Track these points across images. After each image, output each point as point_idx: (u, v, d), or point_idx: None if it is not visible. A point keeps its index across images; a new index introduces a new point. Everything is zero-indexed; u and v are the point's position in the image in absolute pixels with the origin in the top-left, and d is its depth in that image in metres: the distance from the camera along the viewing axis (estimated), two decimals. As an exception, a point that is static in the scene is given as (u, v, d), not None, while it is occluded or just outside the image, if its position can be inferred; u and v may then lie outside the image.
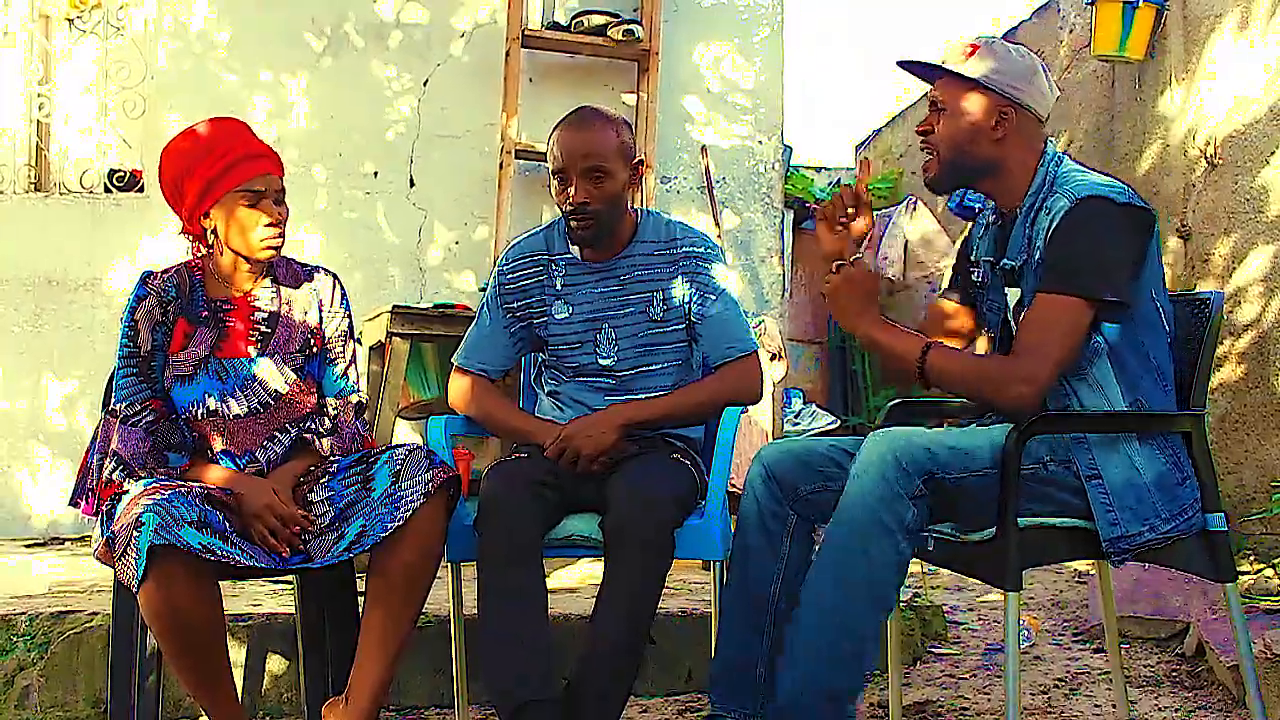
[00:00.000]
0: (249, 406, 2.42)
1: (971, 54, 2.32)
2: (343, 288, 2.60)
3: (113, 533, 2.16)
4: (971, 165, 2.34)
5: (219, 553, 2.14)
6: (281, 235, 2.41)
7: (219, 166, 2.35)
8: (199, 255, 2.48)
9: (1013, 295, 2.32)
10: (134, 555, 2.07)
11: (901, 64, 2.49)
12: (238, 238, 2.39)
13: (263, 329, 2.47)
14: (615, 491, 2.40)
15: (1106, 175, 2.26)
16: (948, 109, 2.33)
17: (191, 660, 2.18)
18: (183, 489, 2.22)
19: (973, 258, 2.46)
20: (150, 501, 2.13)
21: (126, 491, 2.26)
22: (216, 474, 2.37)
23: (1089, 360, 2.19)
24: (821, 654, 2.10)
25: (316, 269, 2.59)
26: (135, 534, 2.08)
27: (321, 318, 2.54)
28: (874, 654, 2.14)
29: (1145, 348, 2.21)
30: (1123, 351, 2.19)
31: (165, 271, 2.45)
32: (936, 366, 2.19)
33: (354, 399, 2.56)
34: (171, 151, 2.41)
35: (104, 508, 2.33)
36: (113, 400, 2.40)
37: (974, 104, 2.30)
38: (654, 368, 2.66)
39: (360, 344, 4.29)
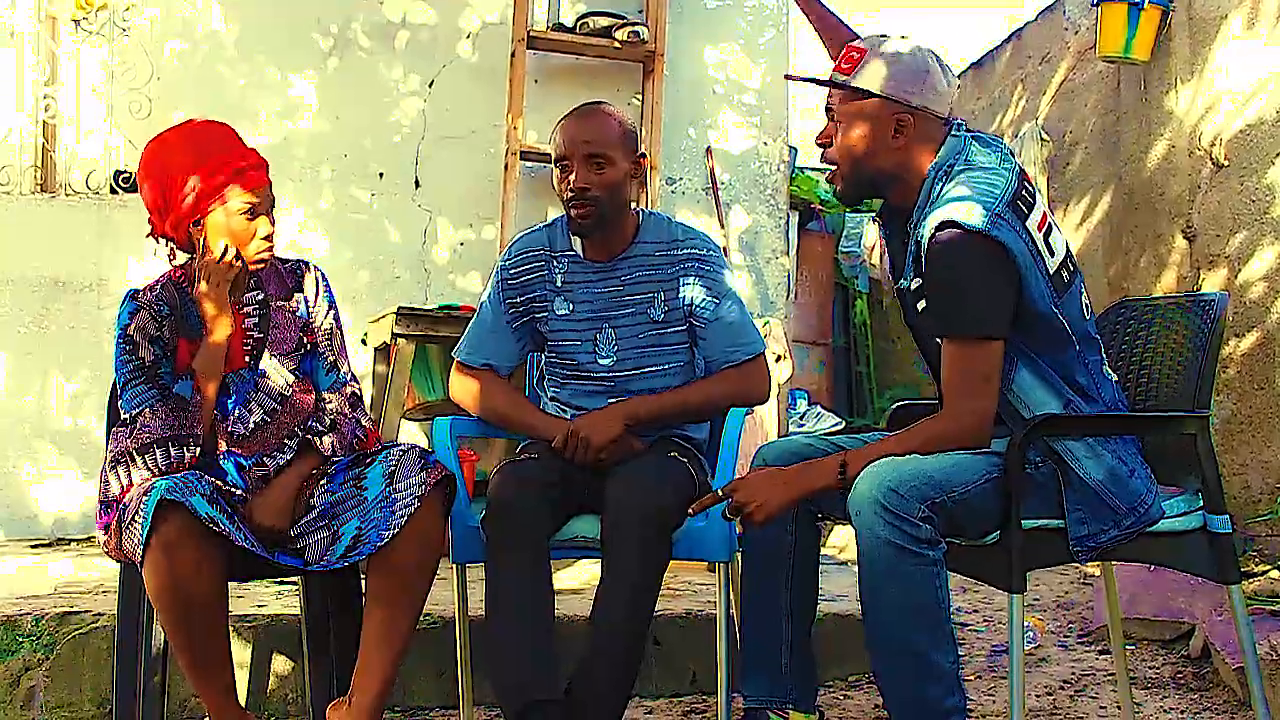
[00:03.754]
0: (259, 416, 2.41)
1: (859, 59, 2.22)
2: (326, 279, 2.57)
3: (124, 505, 2.17)
4: (875, 176, 2.26)
5: (222, 527, 2.13)
6: (271, 248, 2.39)
7: (227, 172, 2.30)
8: (178, 267, 2.42)
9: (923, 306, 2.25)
10: (141, 519, 2.08)
11: (789, 77, 2.44)
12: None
13: (255, 335, 2.45)
14: (612, 489, 2.41)
15: (978, 185, 2.13)
16: (844, 121, 2.24)
17: (188, 632, 2.16)
18: (196, 475, 2.22)
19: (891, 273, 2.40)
20: (162, 477, 2.17)
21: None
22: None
23: (1008, 377, 2.17)
24: (901, 693, 2.06)
25: (299, 263, 2.56)
26: (144, 499, 2.10)
27: (308, 311, 2.52)
28: (949, 664, 2.05)
29: (1043, 354, 2.18)
30: (1032, 358, 2.18)
31: (150, 288, 2.40)
32: (863, 458, 2.10)
33: (348, 390, 2.52)
34: (167, 151, 2.32)
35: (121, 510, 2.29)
36: (122, 410, 2.33)
37: (869, 115, 2.21)
38: (654, 369, 2.66)
39: (365, 343, 4.30)
